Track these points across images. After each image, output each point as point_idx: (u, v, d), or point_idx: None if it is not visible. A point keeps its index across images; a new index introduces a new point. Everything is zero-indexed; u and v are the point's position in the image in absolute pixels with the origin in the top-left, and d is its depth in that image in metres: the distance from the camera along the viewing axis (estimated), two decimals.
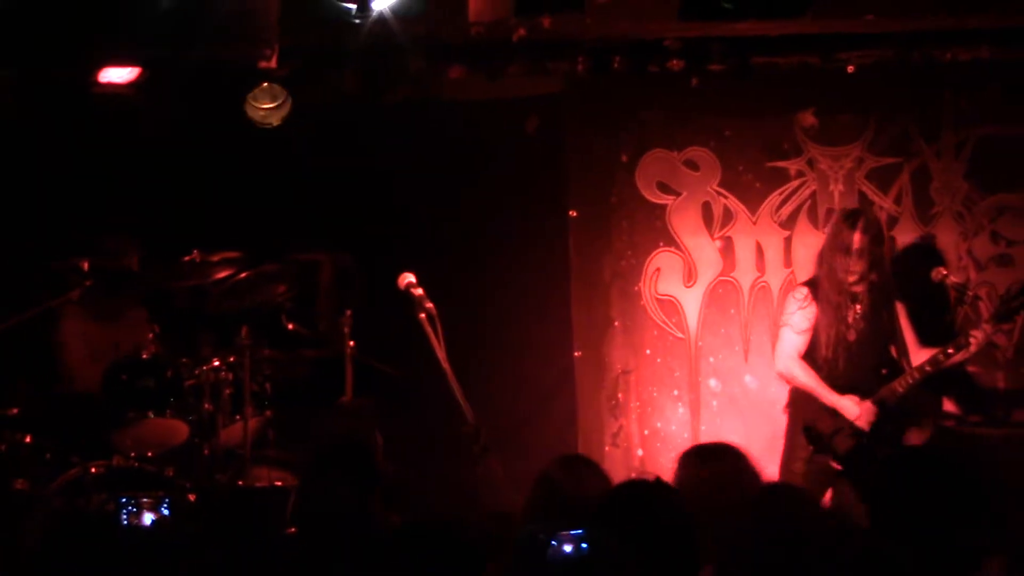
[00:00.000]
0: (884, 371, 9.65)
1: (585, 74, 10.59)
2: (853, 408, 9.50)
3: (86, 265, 10.08)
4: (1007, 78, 10.58)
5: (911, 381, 9.55)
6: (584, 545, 5.17)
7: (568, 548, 5.15)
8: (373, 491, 5.84)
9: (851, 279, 9.61)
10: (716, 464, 6.49)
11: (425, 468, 7.87)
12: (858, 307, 9.66)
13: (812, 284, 9.83)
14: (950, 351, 9.60)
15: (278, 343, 10.60)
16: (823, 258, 9.82)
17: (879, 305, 9.69)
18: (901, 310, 9.75)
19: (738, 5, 7.44)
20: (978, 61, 10.35)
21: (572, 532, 5.19)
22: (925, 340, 9.80)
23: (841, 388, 9.57)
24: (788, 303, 10.01)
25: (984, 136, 10.78)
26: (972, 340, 9.57)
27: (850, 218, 9.78)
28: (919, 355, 9.61)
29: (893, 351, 9.70)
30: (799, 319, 9.74)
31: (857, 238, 9.58)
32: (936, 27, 10.12)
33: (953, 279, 10.23)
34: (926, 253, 10.74)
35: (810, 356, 9.70)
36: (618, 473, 10.65)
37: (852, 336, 9.68)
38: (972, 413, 10.54)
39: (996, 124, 10.76)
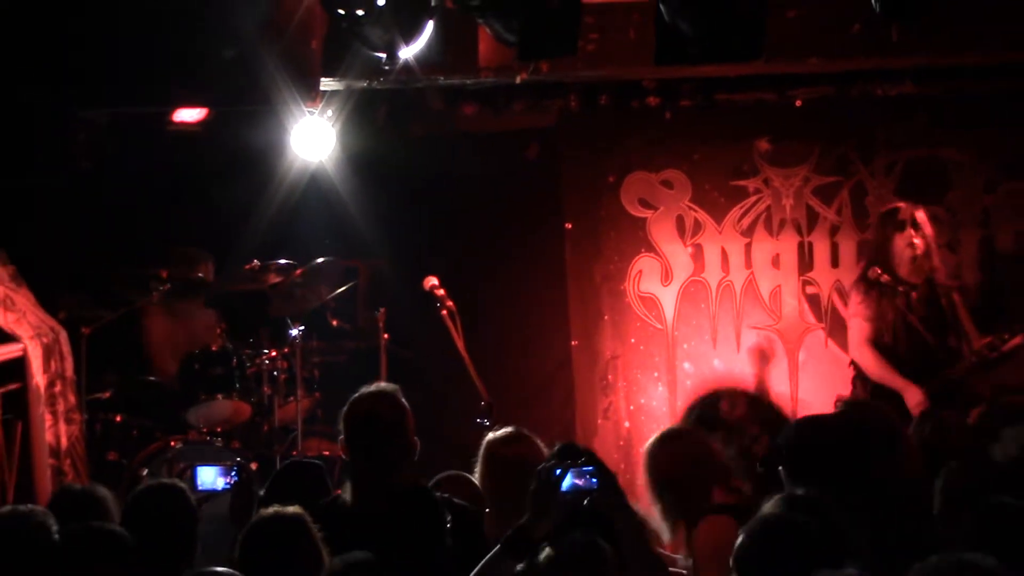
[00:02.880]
0: (942, 357, 9.43)
1: (576, 109, 10.58)
2: (917, 392, 9.14)
3: (165, 273, 10.15)
4: (928, 109, 10.61)
5: (968, 366, 9.35)
6: (593, 480, 5.25)
7: (580, 481, 5.23)
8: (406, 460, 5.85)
9: (906, 271, 9.48)
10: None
11: (445, 439, 7.90)
12: (915, 295, 9.52)
13: (869, 278, 9.68)
14: (1005, 336, 9.50)
15: (324, 336, 10.65)
16: (877, 255, 9.72)
17: (937, 294, 9.55)
18: (958, 300, 9.68)
19: (703, 51, 7.44)
20: (904, 95, 10.32)
21: (584, 468, 5.28)
22: (983, 327, 9.61)
23: (905, 374, 9.31)
24: (851, 295, 9.86)
25: (910, 157, 10.79)
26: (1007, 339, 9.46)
27: (893, 216, 9.67)
28: (978, 342, 9.42)
29: (952, 339, 9.53)
30: (862, 310, 9.51)
31: (910, 233, 9.48)
32: (869, 67, 10.08)
33: (887, 278, 10.23)
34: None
35: (878, 343, 9.44)
36: (609, 440, 10.74)
37: (911, 323, 9.46)
38: None
39: (920, 147, 10.78)
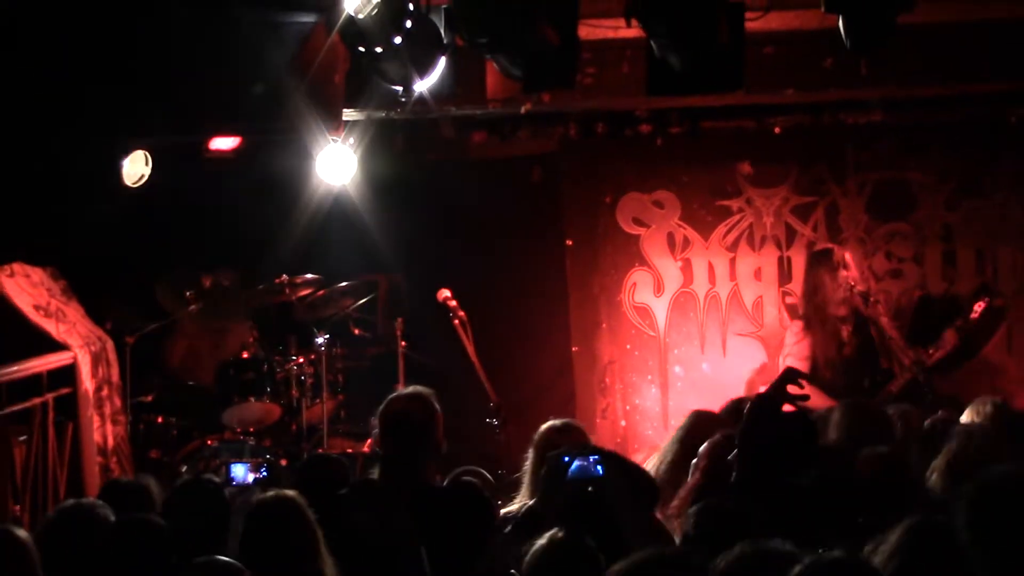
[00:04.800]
0: (878, 378, 9.41)
1: (576, 137, 10.59)
2: None
3: (208, 283, 10.15)
4: (895, 136, 10.59)
5: (903, 382, 9.33)
6: (599, 468, 5.20)
7: (586, 468, 5.16)
8: (430, 457, 5.84)
9: (838, 307, 9.41)
10: None
11: (457, 437, 7.87)
12: (847, 328, 9.45)
13: (804, 318, 9.63)
14: (931, 351, 9.48)
15: (347, 343, 10.65)
16: (810, 294, 9.67)
17: (866, 325, 9.50)
18: (886, 324, 9.62)
19: (690, 83, 7.44)
20: (872, 123, 10.32)
21: (591, 456, 5.22)
22: (911, 344, 9.57)
23: None
24: (787, 337, 9.81)
25: (879, 179, 10.76)
26: (948, 340, 9.45)
27: (824, 256, 9.65)
28: (908, 359, 9.41)
29: (883, 361, 9.49)
30: (798, 350, 9.44)
31: (839, 273, 9.44)
32: (841, 98, 10.07)
33: (859, 288, 10.23)
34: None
35: (814, 378, 9.17)
36: (606, 438, 10.70)
37: (845, 355, 9.40)
38: None
39: (888, 170, 10.75)
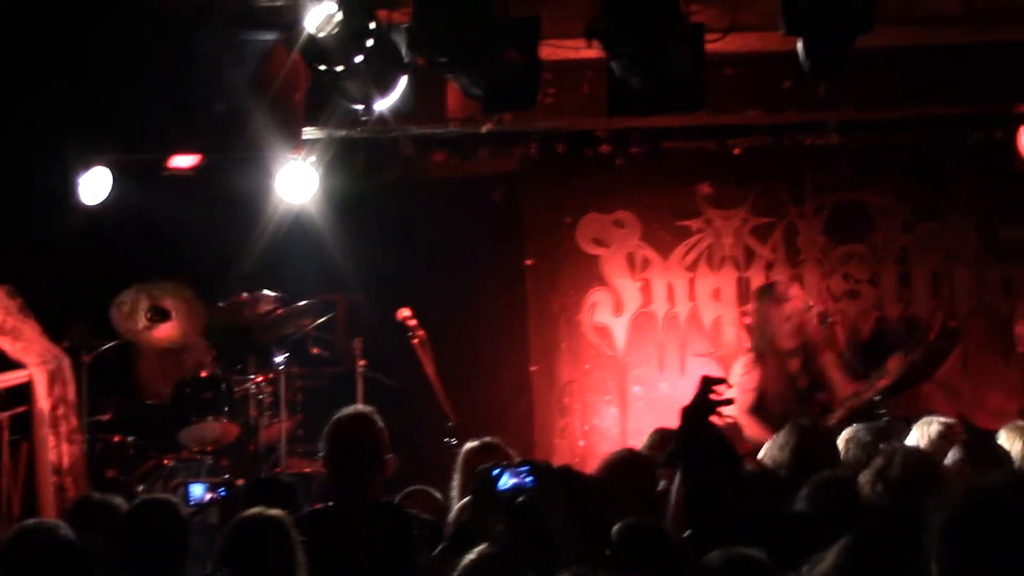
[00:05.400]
0: (818, 413, 9.26)
1: (536, 156, 10.56)
2: None
3: (158, 302, 10.10)
4: (852, 158, 10.64)
5: (839, 417, 9.13)
6: (528, 479, 5.14)
7: (516, 480, 5.14)
8: (376, 475, 5.83)
9: (786, 341, 9.44)
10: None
11: (415, 456, 7.88)
12: (795, 362, 9.47)
13: (755, 350, 9.70)
14: (875, 380, 9.50)
15: (306, 363, 10.61)
16: (760, 329, 9.69)
17: (812, 358, 9.48)
18: (830, 359, 9.62)
19: (650, 104, 7.47)
20: (830, 145, 10.35)
21: (520, 468, 5.18)
22: (854, 378, 9.53)
23: None
24: (735, 368, 9.83)
25: (837, 201, 10.83)
26: (890, 369, 9.45)
27: (768, 290, 9.68)
28: (844, 394, 9.34)
29: (825, 395, 9.41)
30: (746, 381, 9.38)
31: (784, 307, 9.47)
32: (799, 120, 10.11)
33: (817, 309, 10.29)
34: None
35: (761, 410, 9.23)
36: (565, 458, 10.68)
37: (793, 388, 9.34)
38: None
39: (845, 192, 10.82)
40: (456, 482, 6.35)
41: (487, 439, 6.38)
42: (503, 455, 6.17)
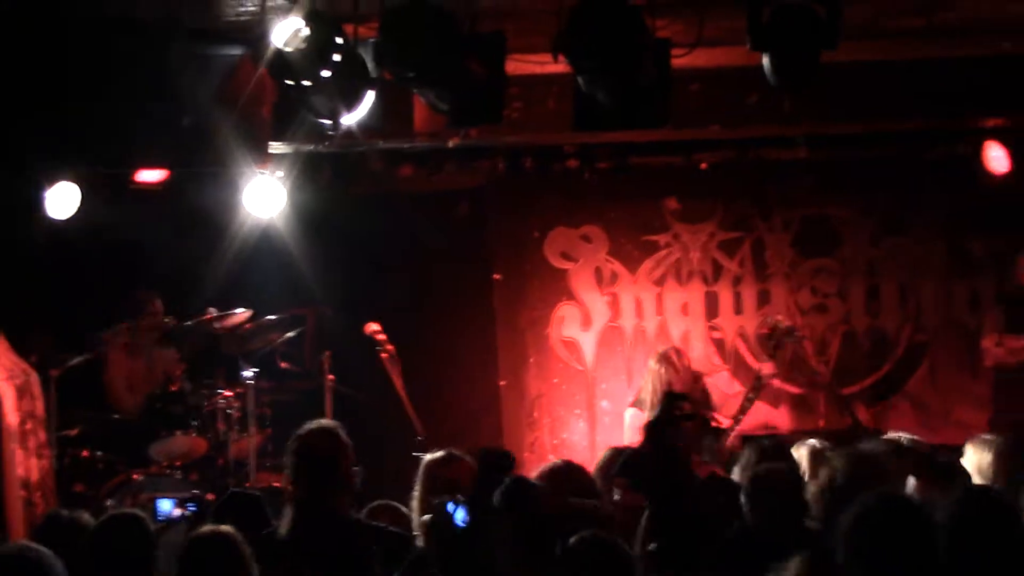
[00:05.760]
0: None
1: (503, 171, 10.55)
2: None
3: (127, 324, 10.10)
4: (819, 173, 10.71)
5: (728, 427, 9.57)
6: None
7: (463, 512, 5.16)
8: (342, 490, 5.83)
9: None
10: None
11: (383, 470, 7.88)
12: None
13: (640, 403, 9.78)
14: (750, 395, 9.66)
15: (274, 377, 10.60)
16: (653, 387, 9.75)
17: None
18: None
19: (617, 118, 7.50)
20: (797, 160, 10.39)
21: (465, 500, 5.21)
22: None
23: None
24: (626, 421, 9.95)
25: (804, 215, 10.91)
26: (764, 374, 9.74)
27: (663, 357, 9.77)
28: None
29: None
30: (634, 435, 9.38)
31: (671, 373, 9.57)
32: (765, 134, 10.14)
33: (785, 323, 10.34)
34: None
35: None
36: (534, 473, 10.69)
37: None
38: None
39: (812, 207, 10.90)
40: (416, 493, 6.36)
41: (449, 451, 6.40)
42: (465, 467, 6.19)
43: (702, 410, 9.45)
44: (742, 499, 5.57)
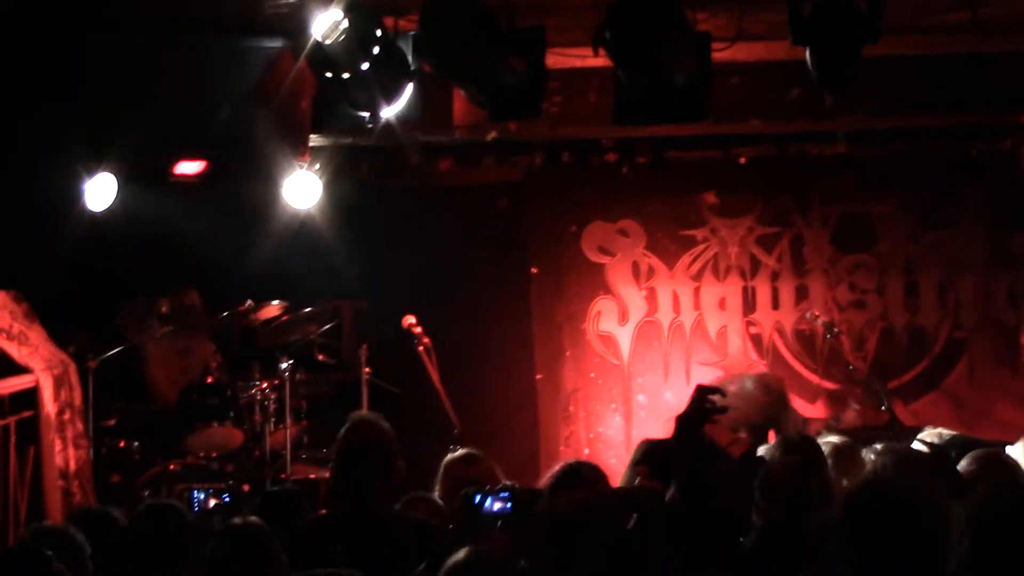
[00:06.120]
0: None
1: (542, 165, 10.60)
2: None
3: (164, 309, 10.12)
4: (858, 168, 10.66)
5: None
6: (508, 504, 5.19)
7: (497, 505, 5.18)
8: (385, 482, 5.82)
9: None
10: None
11: (421, 465, 7.86)
12: None
13: None
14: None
15: (311, 369, 10.61)
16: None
17: None
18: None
19: (656, 113, 7.49)
20: (837, 155, 10.38)
21: (501, 493, 5.22)
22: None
23: None
24: None
25: (843, 211, 10.85)
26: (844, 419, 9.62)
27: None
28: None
29: None
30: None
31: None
32: (805, 129, 10.15)
33: (823, 319, 10.31)
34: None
35: None
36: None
37: None
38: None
39: (852, 202, 10.84)
40: (437, 492, 6.35)
41: (470, 450, 6.39)
42: (485, 466, 6.18)
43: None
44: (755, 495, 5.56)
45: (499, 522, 5.19)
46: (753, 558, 5.15)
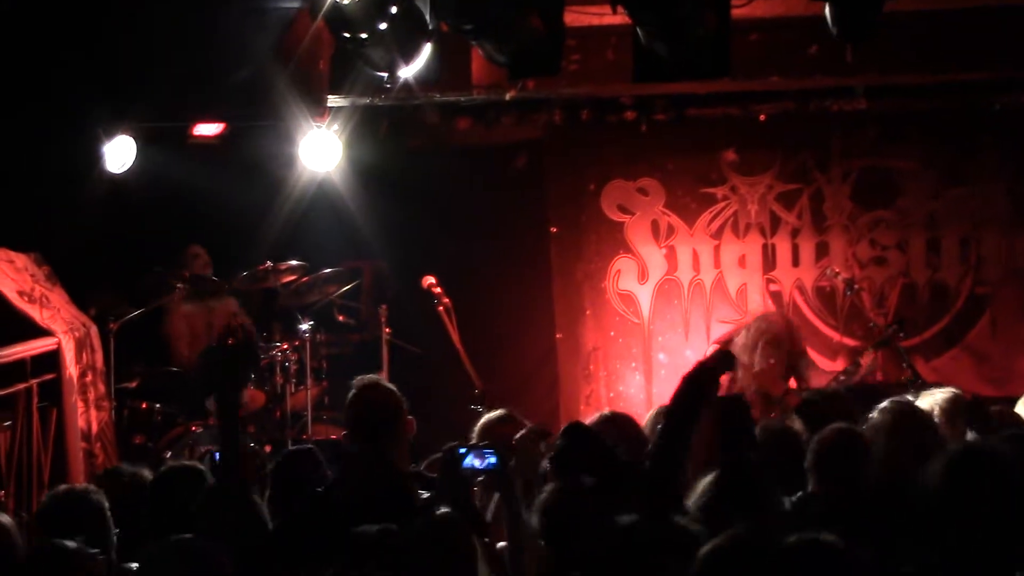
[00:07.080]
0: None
1: (560, 123, 10.58)
2: None
3: (186, 273, 10.16)
4: (879, 123, 10.62)
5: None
6: (491, 460, 5.18)
7: (478, 461, 5.17)
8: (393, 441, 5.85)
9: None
10: None
11: (440, 424, 7.89)
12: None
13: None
14: (841, 378, 9.58)
15: (331, 330, 10.65)
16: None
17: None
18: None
19: (675, 70, 7.46)
20: (857, 111, 10.32)
21: (485, 450, 5.20)
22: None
23: None
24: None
25: (864, 167, 10.81)
26: (862, 363, 9.57)
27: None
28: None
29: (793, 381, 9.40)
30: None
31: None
32: (825, 85, 10.09)
33: (844, 275, 10.30)
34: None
35: None
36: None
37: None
38: None
39: (872, 158, 10.80)
40: None
41: (504, 411, 6.39)
42: (520, 426, 6.18)
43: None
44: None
45: (480, 477, 5.20)
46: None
